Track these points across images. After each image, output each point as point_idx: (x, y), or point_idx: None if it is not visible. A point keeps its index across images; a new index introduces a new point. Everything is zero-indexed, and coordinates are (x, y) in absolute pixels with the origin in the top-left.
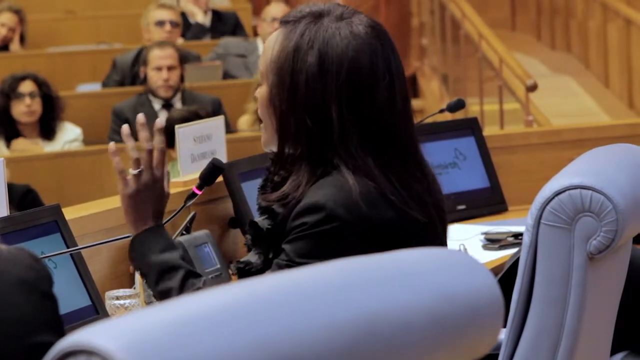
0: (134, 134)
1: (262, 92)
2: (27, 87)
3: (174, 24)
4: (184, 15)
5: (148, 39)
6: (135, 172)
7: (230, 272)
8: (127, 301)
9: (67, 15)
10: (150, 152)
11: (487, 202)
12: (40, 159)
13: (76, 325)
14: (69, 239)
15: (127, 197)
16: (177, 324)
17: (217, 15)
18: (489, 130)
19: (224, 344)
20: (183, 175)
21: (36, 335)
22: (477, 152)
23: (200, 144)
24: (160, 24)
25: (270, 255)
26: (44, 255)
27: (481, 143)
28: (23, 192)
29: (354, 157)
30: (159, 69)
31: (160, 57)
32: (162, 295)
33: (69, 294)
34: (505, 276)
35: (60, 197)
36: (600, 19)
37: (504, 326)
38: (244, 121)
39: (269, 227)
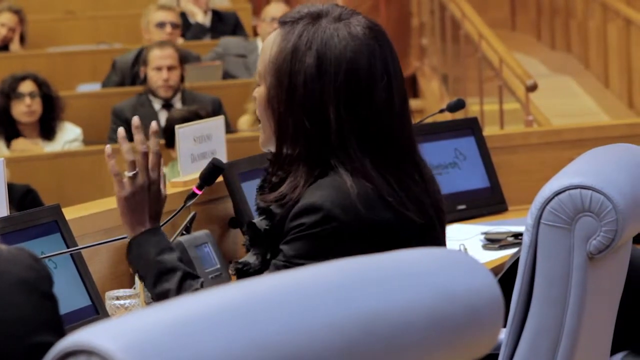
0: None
1: (260, 92)
2: (27, 87)
3: (174, 26)
4: (184, 15)
5: (148, 39)
6: (131, 174)
7: (230, 272)
8: (127, 301)
9: (67, 15)
10: (145, 154)
11: (487, 202)
12: (40, 159)
13: (76, 325)
14: (69, 239)
15: (123, 199)
16: (177, 324)
17: (217, 15)
18: (489, 130)
19: (224, 343)
20: (183, 175)
21: (36, 335)
22: (477, 152)
23: (200, 144)
24: (161, 25)
25: (268, 256)
26: (44, 255)
27: (481, 143)
28: (23, 192)
29: (351, 158)
30: (159, 69)
31: (160, 57)
32: (160, 297)
33: (69, 294)
34: (505, 276)
35: (60, 197)
36: (600, 19)
37: (504, 326)
38: (244, 121)
39: (267, 227)
